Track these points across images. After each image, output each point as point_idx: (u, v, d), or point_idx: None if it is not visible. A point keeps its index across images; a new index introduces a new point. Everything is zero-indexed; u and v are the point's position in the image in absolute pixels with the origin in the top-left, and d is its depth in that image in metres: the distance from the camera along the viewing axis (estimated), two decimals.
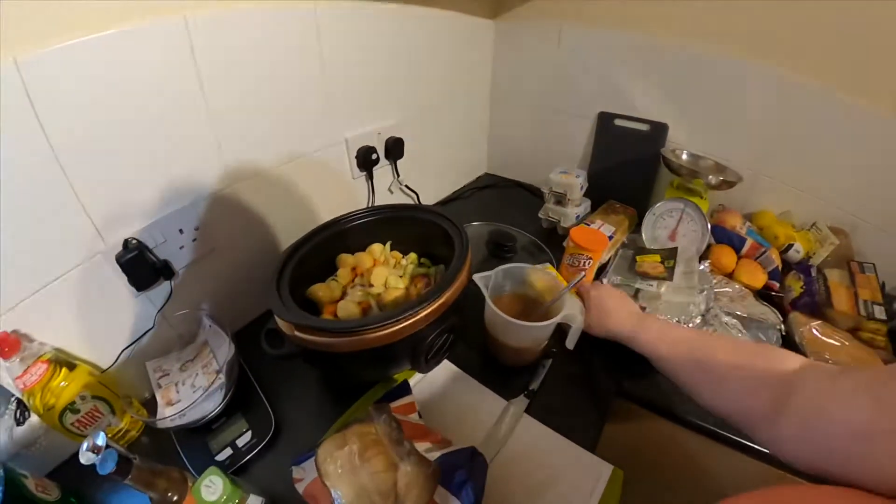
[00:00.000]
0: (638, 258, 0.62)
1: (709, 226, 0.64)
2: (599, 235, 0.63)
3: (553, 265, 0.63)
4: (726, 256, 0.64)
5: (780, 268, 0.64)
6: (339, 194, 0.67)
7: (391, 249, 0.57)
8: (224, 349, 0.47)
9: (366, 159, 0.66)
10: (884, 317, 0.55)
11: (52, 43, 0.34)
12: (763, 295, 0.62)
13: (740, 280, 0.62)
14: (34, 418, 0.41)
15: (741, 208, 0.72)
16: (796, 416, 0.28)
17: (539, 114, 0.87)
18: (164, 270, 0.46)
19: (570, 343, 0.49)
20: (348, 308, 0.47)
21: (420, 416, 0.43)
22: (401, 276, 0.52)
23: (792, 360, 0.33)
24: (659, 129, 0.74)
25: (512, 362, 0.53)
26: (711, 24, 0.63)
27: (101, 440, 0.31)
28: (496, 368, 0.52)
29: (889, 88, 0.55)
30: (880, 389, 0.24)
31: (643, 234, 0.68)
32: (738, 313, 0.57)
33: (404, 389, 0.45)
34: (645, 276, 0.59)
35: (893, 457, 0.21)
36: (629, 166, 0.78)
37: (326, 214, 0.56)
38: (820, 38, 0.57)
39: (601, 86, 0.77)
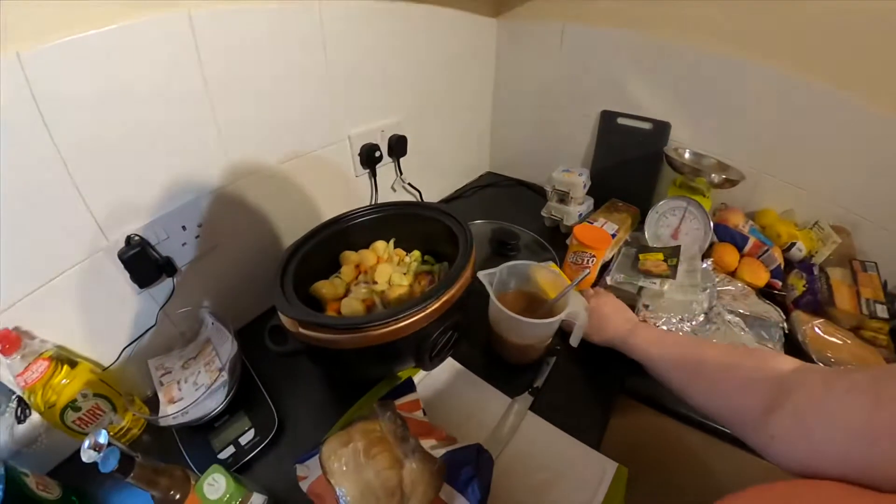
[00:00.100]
0: (641, 256, 0.62)
1: (711, 224, 0.64)
2: (603, 233, 0.63)
3: (556, 263, 0.63)
4: (729, 255, 0.64)
5: (782, 266, 0.64)
6: (343, 192, 0.67)
7: (395, 247, 0.56)
8: (227, 347, 0.47)
9: (369, 157, 0.66)
10: (886, 315, 0.55)
11: (56, 38, 0.33)
12: (765, 293, 0.62)
13: (743, 278, 0.62)
14: (35, 416, 0.40)
15: (744, 207, 0.72)
16: (791, 417, 0.28)
17: (541, 112, 0.87)
18: (166, 267, 0.46)
19: (574, 340, 0.49)
20: (352, 305, 0.47)
21: (424, 414, 0.43)
22: (405, 274, 0.52)
23: (785, 362, 0.32)
24: (661, 128, 0.74)
25: (516, 360, 0.53)
26: (714, 23, 0.63)
27: (102, 438, 0.31)
28: (500, 366, 0.52)
29: (891, 87, 0.55)
30: (879, 388, 0.23)
31: (646, 233, 0.68)
32: (741, 311, 0.57)
33: (409, 387, 0.45)
34: (648, 274, 0.59)
35: (893, 458, 0.21)
36: (632, 165, 0.78)
37: (329, 212, 0.56)
38: (821, 37, 0.57)
39: (604, 84, 0.77)
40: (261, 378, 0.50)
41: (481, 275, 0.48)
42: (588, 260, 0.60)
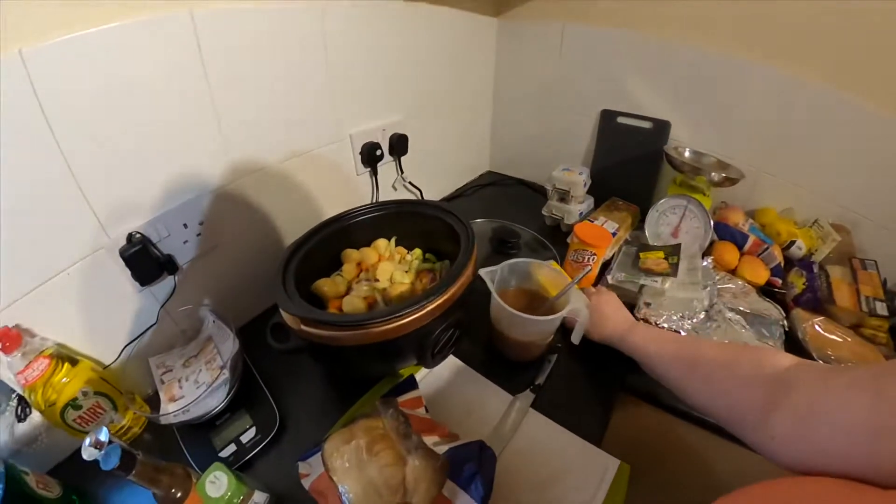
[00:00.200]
0: (641, 255, 0.62)
1: (711, 222, 0.64)
2: (603, 231, 0.63)
3: (557, 262, 0.63)
4: (729, 253, 0.64)
5: (782, 264, 0.64)
6: (343, 190, 0.67)
7: (396, 245, 0.56)
8: (228, 345, 0.47)
9: (370, 155, 0.66)
10: (886, 313, 0.55)
11: (58, 35, 0.33)
12: (766, 291, 0.62)
13: (743, 276, 0.63)
14: (35, 415, 0.40)
15: (743, 205, 0.72)
16: (791, 416, 0.27)
17: (542, 111, 0.87)
18: (167, 265, 0.46)
19: (576, 338, 0.49)
20: (354, 303, 0.47)
21: (427, 411, 0.43)
22: (406, 272, 0.52)
23: (783, 358, 0.32)
24: (661, 127, 0.74)
25: (517, 357, 0.53)
26: (714, 22, 0.64)
27: (103, 435, 0.31)
28: (502, 364, 0.52)
29: (890, 87, 0.56)
30: (880, 385, 0.23)
31: (646, 231, 0.68)
32: (742, 309, 0.57)
33: (411, 384, 0.45)
34: (649, 273, 0.59)
35: (894, 456, 0.20)
36: (632, 164, 0.79)
37: (330, 210, 0.56)
38: (821, 36, 0.58)
39: (603, 84, 0.77)
40: (262, 376, 0.50)
41: (483, 272, 0.48)
42: (589, 258, 0.60)
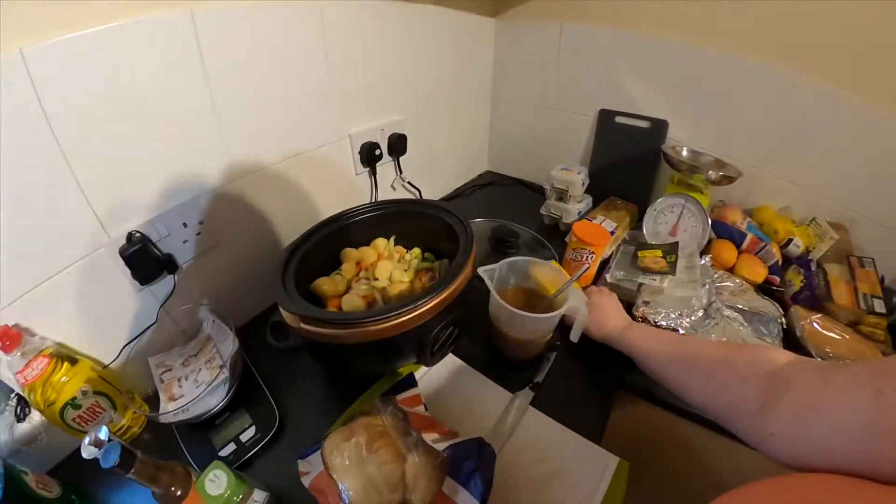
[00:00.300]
0: (640, 253, 0.62)
1: (709, 221, 0.64)
2: (601, 230, 0.63)
3: (556, 261, 0.63)
4: (727, 251, 0.64)
5: (780, 262, 0.65)
6: (343, 190, 0.67)
7: (395, 244, 0.56)
8: (228, 344, 0.47)
9: (369, 155, 0.66)
10: (883, 310, 0.56)
11: (59, 34, 0.34)
12: (764, 289, 0.62)
13: (741, 274, 0.63)
14: (35, 414, 0.40)
15: (741, 204, 0.72)
16: (789, 413, 0.27)
17: (540, 111, 0.88)
18: (167, 264, 0.46)
19: (575, 336, 0.49)
20: (353, 301, 0.47)
21: (426, 409, 0.43)
22: (405, 271, 0.52)
23: (780, 355, 0.32)
24: (659, 126, 0.74)
25: (516, 355, 0.53)
26: (711, 21, 0.64)
27: (103, 434, 0.31)
28: (501, 362, 0.52)
29: (890, 87, 0.56)
30: (878, 382, 0.23)
31: (644, 230, 0.68)
32: (740, 307, 0.57)
33: (410, 382, 0.45)
34: (647, 271, 0.59)
35: (893, 453, 0.20)
36: (630, 163, 0.79)
37: (330, 210, 0.56)
38: (819, 36, 0.58)
39: (601, 83, 0.77)
40: (262, 375, 0.50)
41: (481, 270, 0.48)
42: (587, 257, 0.60)
